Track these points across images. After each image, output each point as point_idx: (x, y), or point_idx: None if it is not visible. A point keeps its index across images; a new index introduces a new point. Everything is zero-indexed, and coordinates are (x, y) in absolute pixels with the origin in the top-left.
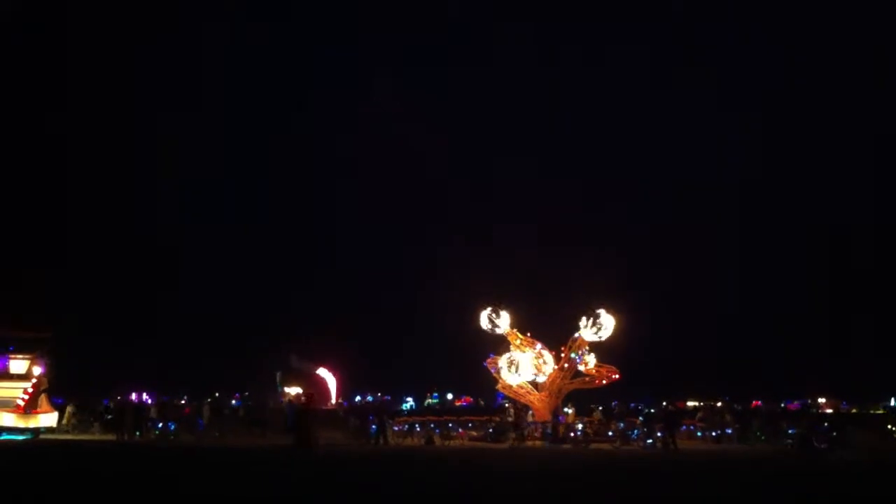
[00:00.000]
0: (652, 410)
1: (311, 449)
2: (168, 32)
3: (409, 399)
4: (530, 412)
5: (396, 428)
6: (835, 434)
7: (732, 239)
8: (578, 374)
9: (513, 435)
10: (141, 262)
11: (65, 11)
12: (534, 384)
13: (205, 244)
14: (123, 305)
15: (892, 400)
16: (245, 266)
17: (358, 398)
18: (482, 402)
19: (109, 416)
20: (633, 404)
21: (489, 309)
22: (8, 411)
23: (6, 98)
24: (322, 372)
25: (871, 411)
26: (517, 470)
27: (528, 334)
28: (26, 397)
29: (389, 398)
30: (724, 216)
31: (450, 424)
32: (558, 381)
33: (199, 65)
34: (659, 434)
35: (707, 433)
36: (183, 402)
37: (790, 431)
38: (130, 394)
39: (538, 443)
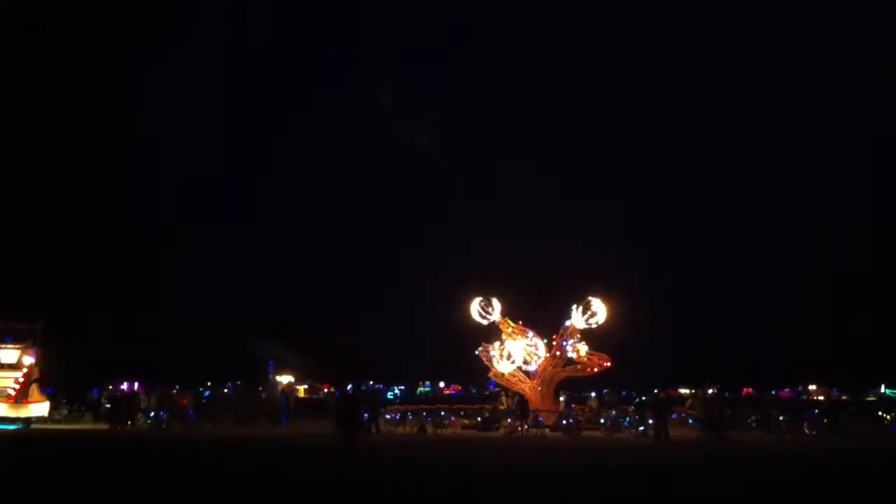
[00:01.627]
0: (644, 398)
1: (356, 447)
2: (168, 32)
3: (396, 388)
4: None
5: (388, 416)
6: (826, 421)
7: (732, 238)
8: (570, 362)
9: (507, 422)
10: (138, 258)
11: (65, 10)
12: (525, 372)
13: (204, 244)
14: (119, 299)
15: (883, 387)
16: (245, 266)
17: (350, 387)
18: (474, 391)
19: (109, 406)
20: (624, 392)
21: (479, 299)
22: None
23: (4, 97)
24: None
25: (863, 399)
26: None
27: (520, 322)
28: (17, 387)
29: (382, 387)
30: (724, 216)
31: (442, 413)
32: (550, 369)
33: (199, 65)
34: (650, 422)
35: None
36: (174, 391)
37: (689, 420)
38: (122, 384)
39: (533, 431)
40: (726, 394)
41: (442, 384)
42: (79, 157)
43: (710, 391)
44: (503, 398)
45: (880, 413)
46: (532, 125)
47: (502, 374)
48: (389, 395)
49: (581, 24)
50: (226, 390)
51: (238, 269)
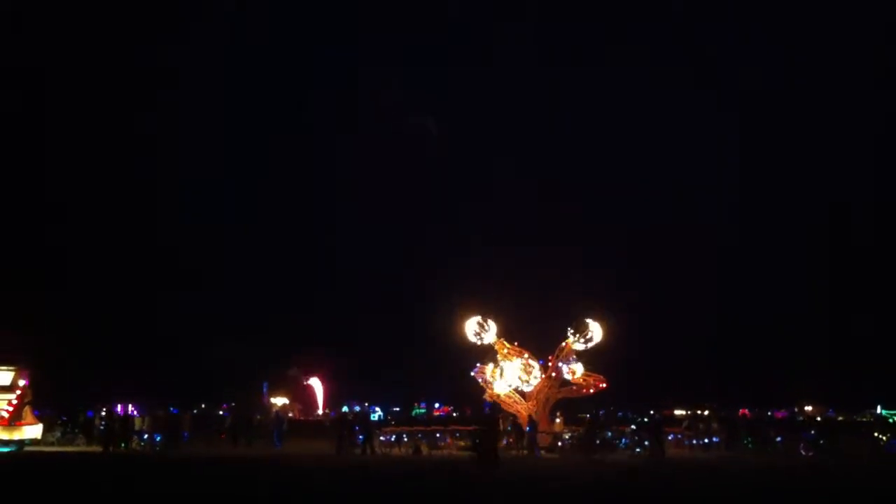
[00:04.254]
0: (646, 420)
1: (494, 466)
2: (168, 32)
3: (377, 409)
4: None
5: (383, 438)
6: (822, 442)
7: (731, 249)
8: (566, 383)
9: (503, 443)
10: (130, 276)
11: (65, 10)
12: (521, 393)
13: (202, 248)
14: (113, 320)
15: (879, 408)
16: (242, 270)
17: (345, 408)
18: (468, 412)
19: (103, 428)
20: (620, 413)
21: (475, 319)
22: None
23: (3, 99)
24: (312, 381)
25: (858, 419)
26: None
27: (516, 343)
28: (11, 409)
29: (376, 408)
30: (724, 216)
31: (437, 434)
32: (546, 390)
33: (199, 65)
34: (646, 443)
35: (694, 441)
36: (160, 413)
37: (566, 437)
38: (116, 406)
39: (523, 452)
40: (722, 414)
41: (438, 405)
42: (75, 162)
43: (701, 412)
44: (499, 419)
45: (876, 434)
46: (532, 125)
47: (498, 396)
48: (373, 416)
49: (581, 24)
50: (221, 412)
51: (235, 274)
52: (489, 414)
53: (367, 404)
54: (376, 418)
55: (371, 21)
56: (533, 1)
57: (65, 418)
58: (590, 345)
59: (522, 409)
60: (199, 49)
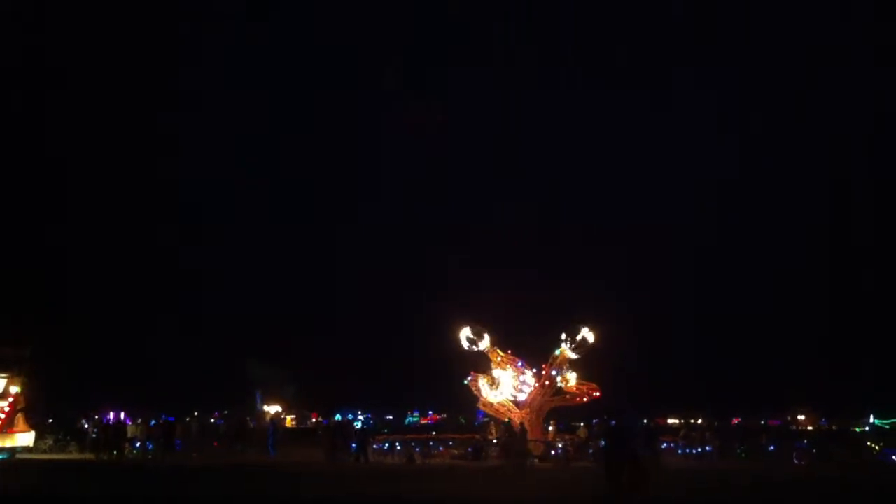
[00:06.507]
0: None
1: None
2: (168, 33)
3: (361, 418)
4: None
5: (376, 446)
6: (815, 451)
7: (727, 261)
8: (560, 391)
9: (494, 453)
10: (128, 284)
11: (65, 11)
12: (515, 402)
13: (198, 253)
14: (106, 328)
15: (872, 417)
16: (237, 274)
17: (339, 416)
18: (462, 420)
19: (95, 435)
20: (613, 422)
21: (469, 327)
22: None
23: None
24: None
25: (851, 428)
26: None
27: (509, 351)
28: (3, 416)
29: (360, 417)
30: (720, 223)
31: (430, 443)
32: (539, 398)
33: (199, 65)
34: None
35: (687, 450)
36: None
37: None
38: (108, 413)
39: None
40: (715, 423)
41: (431, 412)
42: (74, 164)
43: (694, 420)
44: (492, 428)
45: (869, 443)
46: (531, 126)
47: (491, 404)
48: (357, 424)
49: (581, 23)
50: (213, 420)
51: (229, 277)
52: (616, 429)
53: (359, 412)
54: (358, 426)
55: (371, 21)
56: (533, 1)
57: (76, 426)
58: (582, 352)
59: (516, 418)
60: (199, 49)
